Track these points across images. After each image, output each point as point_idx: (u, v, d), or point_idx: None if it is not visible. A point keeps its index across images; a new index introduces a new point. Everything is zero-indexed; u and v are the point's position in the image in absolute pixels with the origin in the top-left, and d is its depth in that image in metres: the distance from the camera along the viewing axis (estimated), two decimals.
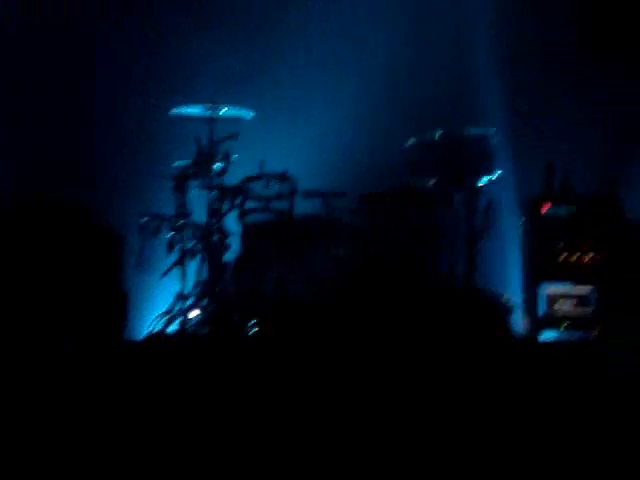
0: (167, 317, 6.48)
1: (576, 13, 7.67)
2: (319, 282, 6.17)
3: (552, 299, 6.76)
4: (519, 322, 6.86)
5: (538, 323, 6.77)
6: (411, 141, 6.65)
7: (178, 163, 6.74)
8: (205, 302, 6.57)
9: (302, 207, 6.70)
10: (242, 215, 6.60)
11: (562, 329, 6.71)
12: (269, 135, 7.30)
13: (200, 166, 6.57)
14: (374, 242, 6.35)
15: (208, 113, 6.60)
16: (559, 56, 7.75)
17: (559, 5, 7.71)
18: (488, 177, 6.52)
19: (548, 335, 6.71)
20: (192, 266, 6.70)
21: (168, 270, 6.58)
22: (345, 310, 5.92)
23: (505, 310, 6.30)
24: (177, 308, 6.50)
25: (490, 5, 7.65)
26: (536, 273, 6.86)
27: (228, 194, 6.58)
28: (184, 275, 6.57)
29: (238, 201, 6.60)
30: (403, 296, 6.03)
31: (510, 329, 6.21)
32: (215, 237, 6.61)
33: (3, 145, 7.54)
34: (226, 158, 6.59)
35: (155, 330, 6.38)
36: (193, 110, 6.67)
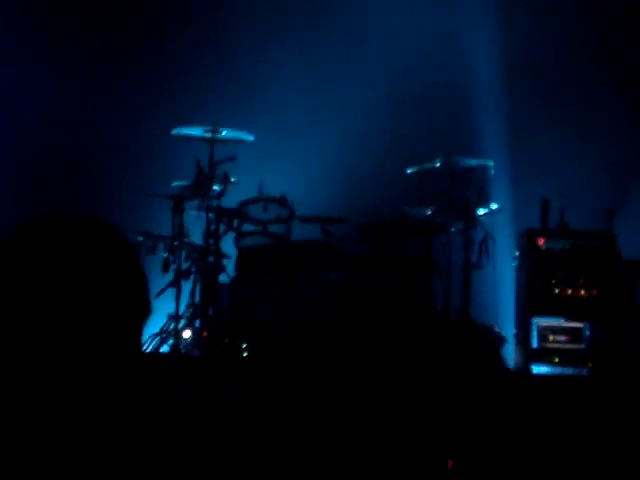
0: (160, 337, 6.44)
1: (575, 46, 7.72)
2: (314, 308, 6.14)
3: (544, 333, 6.73)
4: (511, 355, 6.84)
5: (530, 357, 6.73)
6: (410, 170, 6.65)
7: (176, 183, 6.72)
8: (197, 324, 6.54)
9: (299, 232, 6.69)
10: (239, 238, 6.57)
11: (554, 364, 6.67)
12: (269, 159, 7.29)
13: (199, 187, 6.54)
14: (370, 270, 6.33)
15: (209, 135, 6.57)
16: (558, 89, 7.80)
17: (558, 37, 7.76)
18: (487, 208, 6.52)
19: (539, 369, 6.68)
20: (187, 287, 6.66)
21: (163, 290, 6.53)
22: (340, 336, 5.91)
23: (498, 342, 6.29)
24: (170, 328, 6.47)
25: (492, 36, 7.70)
26: (529, 307, 6.84)
27: (225, 216, 6.55)
28: (178, 296, 6.52)
29: (235, 224, 6.58)
30: (398, 325, 6.01)
31: (502, 361, 6.20)
32: (211, 259, 6.58)
33: (4, 162, 7.55)
34: (225, 180, 6.57)
35: (147, 350, 6.35)
36: (194, 131, 6.66)
